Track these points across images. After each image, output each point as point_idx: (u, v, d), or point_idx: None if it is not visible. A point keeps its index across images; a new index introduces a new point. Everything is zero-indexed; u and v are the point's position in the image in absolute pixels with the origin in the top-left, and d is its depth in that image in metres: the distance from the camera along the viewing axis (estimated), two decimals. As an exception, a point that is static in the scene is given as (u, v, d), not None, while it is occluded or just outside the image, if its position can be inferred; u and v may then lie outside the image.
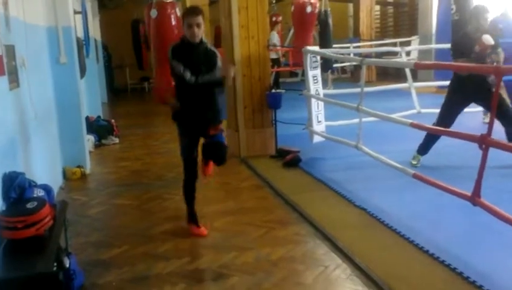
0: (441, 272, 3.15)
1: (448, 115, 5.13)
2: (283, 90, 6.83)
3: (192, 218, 4.12)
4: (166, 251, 3.75)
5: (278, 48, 12.66)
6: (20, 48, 4.17)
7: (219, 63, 3.88)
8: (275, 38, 12.44)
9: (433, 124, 5.00)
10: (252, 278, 3.27)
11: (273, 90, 6.59)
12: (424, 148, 5.44)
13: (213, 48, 3.97)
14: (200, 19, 3.74)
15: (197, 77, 3.71)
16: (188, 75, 3.69)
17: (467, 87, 4.98)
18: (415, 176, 4.13)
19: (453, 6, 8.50)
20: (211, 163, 4.14)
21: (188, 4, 9.33)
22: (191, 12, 3.79)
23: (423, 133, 5.14)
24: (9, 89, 3.68)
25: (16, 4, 4.19)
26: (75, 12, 6.81)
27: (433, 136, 5.16)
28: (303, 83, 6.94)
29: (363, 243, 3.67)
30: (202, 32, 3.80)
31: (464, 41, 5.00)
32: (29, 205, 2.95)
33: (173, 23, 6.63)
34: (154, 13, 6.44)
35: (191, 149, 4.01)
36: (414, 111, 7.04)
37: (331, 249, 3.64)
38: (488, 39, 4.68)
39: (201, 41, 3.81)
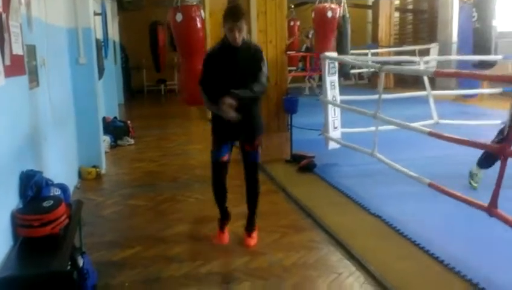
0: (457, 283, 3.10)
1: None
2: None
3: (221, 220, 3.97)
4: (180, 253, 3.76)
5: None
6: (41, 48, 4.21)
7: (264, 68, 3.62)
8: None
9: None
10: (265, 283, 3.26)
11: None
12: None
13: (257, 47, 3.74)
14: (242, 24, 3.47)
15: (237, 87, 3.43)
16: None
17: None
18: (430, 185, 4.08)
19: (474, 14, 8.42)
20: (254, 235, 3.94)
21: (208, 7, 9.33)
22: (232, 15, 3.49)
23: (440, 142, 5.06)
24: (29, 88, 3.72)
25: (38, 5, 4.24)
26: (95, 14, 6.88)
27: None
28: (319, 88, 6.90)
29: (377, 251, 3.63)
30: (244, 35, 3.55)
31: None
32: (45, 204, 2.99)
33: (198, 26, 6.68)
34: (179, 17, 6.49)
35: (222, 153, 3.76)
36: (432, 121, 6.94)
37: (345, 256, 3.61)
38: None
39: (242, 42, 3.56)
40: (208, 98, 3.61)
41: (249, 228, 3.94)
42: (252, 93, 3.46)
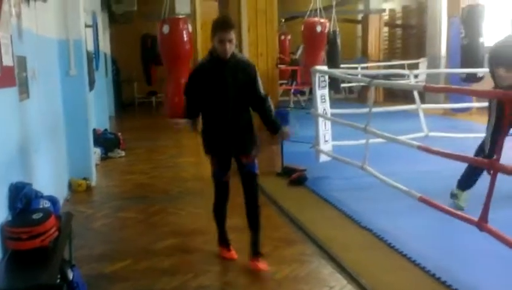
0: (447, 297, 3.11)
1: None
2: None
3: (223, 241, 3.91)
4: (171, 266, 3.73)
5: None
6: (32, 60, 4.20)
7: (259, 86, 3.63)
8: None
9: None
10: (256, 296, 3.24)
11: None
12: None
13: (248, 62, 3.71)
14: (232, 34, 3.40)
15: (227, 100, 3.50)
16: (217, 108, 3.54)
17: None
18: (420, 199, 4.09)
19: (462, 31, 8.53)
20: (261, 260, 3.68)
21: (198, 20, 9.37)
22: (223, 26, 3.41)
23: (430, 155, 5.09)
24: (20, 100, 3.70)
25: (29, 16, 4.23)
26: (86, 26, 6.88)
27: None
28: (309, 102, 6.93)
29: (368, 265, 3.63)
30: (233, 47, 3.48)
31: None
32: (34, 216, 2.95)
33: (185, 38, 6.69)
34: (166, 29, 6.49)
35: (223, 172, 3.72)
36: (422, 134, 7.00)
37: (336, 269, 3.60)
38: None
39: (232, 55, 3.50)
40: (188, 108, 3.63)
41: (255, 251, 3.70)
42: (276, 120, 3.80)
